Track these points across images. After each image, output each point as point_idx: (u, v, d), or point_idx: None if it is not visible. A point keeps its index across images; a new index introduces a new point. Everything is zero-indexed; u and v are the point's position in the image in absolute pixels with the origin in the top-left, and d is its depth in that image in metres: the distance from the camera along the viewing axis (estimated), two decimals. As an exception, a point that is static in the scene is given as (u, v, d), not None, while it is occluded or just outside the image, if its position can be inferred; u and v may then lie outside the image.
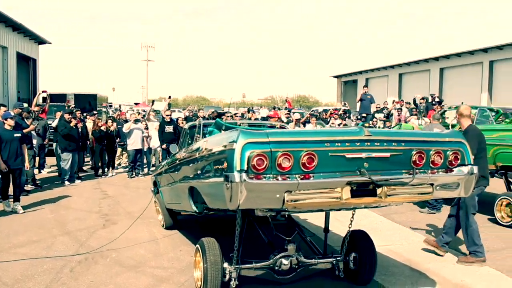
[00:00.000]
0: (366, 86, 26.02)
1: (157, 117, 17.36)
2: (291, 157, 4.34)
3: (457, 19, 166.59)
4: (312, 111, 32.24)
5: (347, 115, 23.57)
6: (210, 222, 8.94)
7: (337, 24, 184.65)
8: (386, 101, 24.47)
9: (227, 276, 5.38)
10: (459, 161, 5.01)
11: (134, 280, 6.18)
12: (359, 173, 4.54)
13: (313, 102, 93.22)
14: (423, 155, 4.82)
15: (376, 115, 20.19)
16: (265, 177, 4.31)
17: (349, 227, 6.02)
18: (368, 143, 4.62)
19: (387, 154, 4.69)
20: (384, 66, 39.76)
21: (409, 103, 21.44)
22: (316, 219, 8.59)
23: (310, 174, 4.41)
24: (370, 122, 18.66)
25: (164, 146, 15.06)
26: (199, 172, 5.65)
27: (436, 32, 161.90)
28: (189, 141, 7.63)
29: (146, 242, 7.88)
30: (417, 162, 4.81)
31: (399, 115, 20.46)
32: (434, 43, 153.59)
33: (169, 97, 18.00)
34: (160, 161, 16.13)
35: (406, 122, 18.25)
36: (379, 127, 18.55)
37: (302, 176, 4.38)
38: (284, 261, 5.55)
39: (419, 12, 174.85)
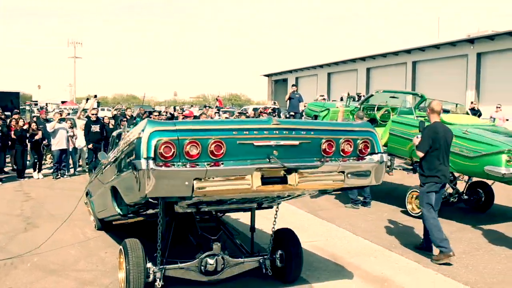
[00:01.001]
0: (295, 85, 26.35)
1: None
2: (199, 145, 4.38)
3: (381, 20, 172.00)
4: (243, 109, 32.40)
5: (276, 113, 23.83)
6: (139, 225, 8.81)
7: (267, 24, 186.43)
8: (323, 96, 24.80)
9: (151, 277, 5.33)
10: (369, 150, 5.18)
11: (56, 284, 6.02)
12: (268, 160, 4.59)
13: (244, 101, 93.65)
14: (332, 144, 4.95)
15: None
16: (173, 165, 4.33)
17: (273, 225, 6.12)
18: (277, 131, 4.69)
19: (296, 142, 4.78)
20: (313, 65, 40.48)
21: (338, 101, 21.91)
22: (247, 220, 8.66)
23: (219, 162, 4.45)
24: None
25: (90, 146, 14.72)
26: (118, 169, 5.60)
27: (363, 33, 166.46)
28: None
29: (70, 245, 7.67)
30: (327, 150, 4.93)
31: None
32: (361, 44, 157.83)
33: (95, 96, 17.66)
34: (87, 161, 15.78)
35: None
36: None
37: (211, 164, 4.41)
38: (210, 261, 5.54)
39: (346, 13, 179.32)
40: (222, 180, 4.51)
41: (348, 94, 16.84)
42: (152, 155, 4.26)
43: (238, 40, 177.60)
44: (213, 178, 4.45)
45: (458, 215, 9.77)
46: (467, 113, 12.64)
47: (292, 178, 4.74)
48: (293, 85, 25.41)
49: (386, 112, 11.93)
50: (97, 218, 8.29)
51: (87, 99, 19.92)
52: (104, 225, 8.38)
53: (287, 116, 20.51)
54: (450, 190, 10.10)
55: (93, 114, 15.29)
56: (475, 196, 10.20)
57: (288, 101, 22.21)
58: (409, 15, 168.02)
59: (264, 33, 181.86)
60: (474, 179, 10.18)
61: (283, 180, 4.71)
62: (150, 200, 4.85)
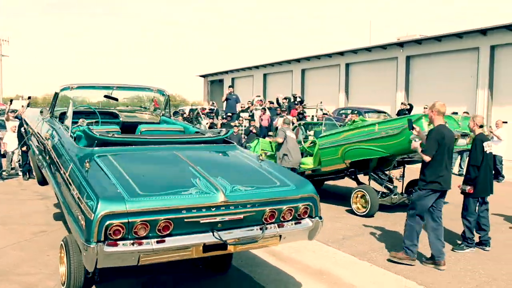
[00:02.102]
0: (231, 86, 26.61)
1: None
2: (148, 226, 4.44)
3: (316, 23, 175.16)
4: (180, 110, 32.32)
5: (214, 114, 23.99)
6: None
7: (203, 24, 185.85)
8: (260, 97, 25.08)
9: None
10: (307, 214, 5.33)
11: (-1, 289, 5.96)
12: (212, 233, 4.69)
13: (180, 101, 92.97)
14: (275, 214, 5.08)
15: (242, 114, 20.79)
16: (122, 243, 4.36)
17: None
18: (223, 208, 4.76)
19: (241, 216, 4.88)
20: (249, 66, 40.83)
21: (273, 103, 22.31)
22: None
23: (165, 238, 4.54)
24: (237, 121, 19.19)
25: (24, 148, 14.36)
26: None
27: (298, 36, 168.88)
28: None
29: (11, 249, 7.54)
30: (268, 219, 5.07)
31: (263, 114, 21.08)
32: (295, 46, 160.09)
33: (29, 98, 17.24)
34: (19, 163, 15.35)
35: (271, 121, 19.03)
36: (245, 125, 19.19)
37: (157, 240, 4.50)
38: None
39: (281, 14, 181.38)
40: (166, 253, 4.62)
41: (281, 97, 17.23)
42: (102, 238, 4.29)
43: (172, 40, 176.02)
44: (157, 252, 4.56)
45: (390, 210, 10.31)
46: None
47: (232, 246, 4.86)
48: (229, 86, 25.66)
49: (312, 144, 12.38)
50: (36, 165, 8.26)
51: (11, 100, 19.29)
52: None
53: (224, 116, 20.69)
54: (386, 191, 10.69)
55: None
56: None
57: (225, 102, 22.45)
58: (342, 18, 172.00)
59: (199, 33, 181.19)
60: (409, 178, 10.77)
61: (223, 247, 4.82)
62: None
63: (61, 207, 5.64)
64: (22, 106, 18.37)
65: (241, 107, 22.22)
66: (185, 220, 4.59)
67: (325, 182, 13.68)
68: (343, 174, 11.53)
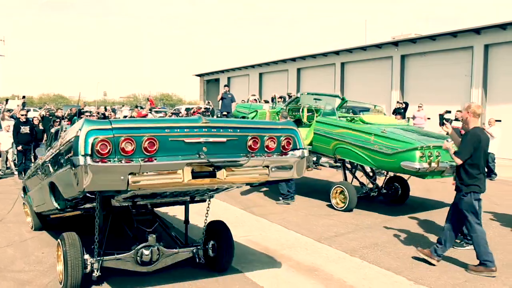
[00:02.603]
0: (227, 85, 26.68)
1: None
2: (133, 142, 4.66)
3: (310, 21, 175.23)
4: (175, 109, 32.38)
5: (209, 113, 24.04)
6: (76, 221, 8.79)
7: (199, 24, 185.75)
8: (255, 96, 25.10)
9: (89, 268, 5.59)
10: (291, 146, 5.62)
11: (-7, 286, 6.02)
12: (198, 156, 4.91)
13: (176, 100, 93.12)
14: (257, 140, 5.36)
15: (237, 113, 20.83)
16: (109, 161, 4.59)
17: (206, 217, 6.47)
18: (206, 129, 5.04)
19: (224, 139, 5.15)
20: (245, 65, 40.88)
21: (268, 102, 22.34)
22: (182, 215, 8.86)
23: (153, 158, 4.76)
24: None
25: (20, 147, 14.43)
26: (56, 166, 5.77)
27: (294, 35, 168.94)
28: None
29: (5, 246, 7.61)
30: (253, 146, 5.33)
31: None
32: (291, 45, 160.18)
33: (23, 97, 17.27)
34: (15, 163, 15.40)
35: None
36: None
37: (145, 159, 4.71)
38: (145, 251, 5.83)
39: (276, 15, 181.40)
40: (155, 174, 4.81)
41: (275, 96, 17.33)
42: (89, 152, 4.51)
43: (169, 40, 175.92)
44: (146, 172, 4.74)
45: (380, 208, 10.41)
46: (384, 114, 13.43)
47: (221, 173, 5.10)
48: (225, 86, 25.71)
49: (311, 113, 12.48)
50: (34, 213, 8.26)
51: (7, 100, 19.29)
52: (42, 221, 8.34)
53: (219, 116, 20.74)
54: (370, 185, 10.89)
55: (22, 115, 14.97)
56: (393, 190, 11.03)
57: (221, 101, 22.51)
58: (338, 17, 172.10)
59: (196, 33, 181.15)
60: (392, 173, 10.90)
61: (212, 174, 5.04)
62: (88, 194, 5.06)
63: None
64: (18, 105, 18.40)
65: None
66: (170, 139, 4.83)
67: (312, 178, 13.88)
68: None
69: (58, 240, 5.78)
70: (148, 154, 4.73)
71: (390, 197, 11.09)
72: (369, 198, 10.87)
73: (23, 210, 9.17)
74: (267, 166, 5.41)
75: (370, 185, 10.96)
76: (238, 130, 5.30)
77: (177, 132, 4.90)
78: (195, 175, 4.95)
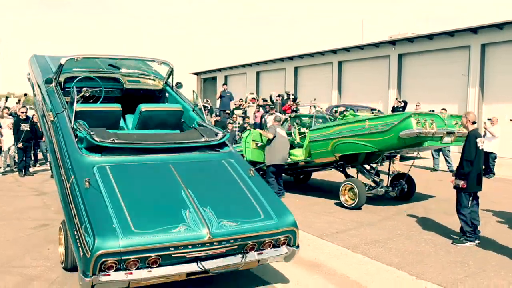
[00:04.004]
0: (225, 84, 26.73)
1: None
2: (139, 261, 4.84)
3: (308, 20, 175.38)
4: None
5: (207, 111, 24.07)
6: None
7: (196, 22, 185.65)
8: (253, 94, 25.14)
9: None
10: (286, 243, 5.67)
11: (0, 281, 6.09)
12: (197, 265, 5.06)
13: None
14: (256, 246, 5.43)
15: (236, 111, 20.93)
16: (114, 274, 4.77)
17: None
18: (209, 244, 5.09)
19: (223, 250, 5.22)
20: (242, 64, 40.87)
21: (266, 100, 22.44)
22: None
23: (152, 269, 4.93)
24: (230, 119, 19.33)
25: (20, 145, 14.45)
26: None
27: (294, 35, 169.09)
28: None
29: (10, 244, 7.67)
30: (249, 249, 5.39)
31: (257, 111, 21.25)
32: (289, 44, 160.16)
33: (25, 95, 17.31)
34: (15, 161, 15.42)
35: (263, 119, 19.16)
36: (238, 123, 19.34)
37: (146, 271, 4.89)
38: None
39: (274, 14, 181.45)
40: (153, 279, 4.98)
41: (272, 94, 17.37)
42: (97, 272, 4.68)
43: (169, 40, 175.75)
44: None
45: (381, 205, 10.52)
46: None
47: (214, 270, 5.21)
48: (223, 84, 25.79)
49: (303, 136, 12.68)
50: None
51: (7, 98, 19.25)
52: None
53: (217, 114, 20.80)
54: (384, 183, 10.96)
55: (22, 113, 14.99)
56: (399, 187, 11.09)
57: (219, 99, 22.58)
58: (335, 16, 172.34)
59: (196, 33, 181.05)
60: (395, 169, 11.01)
61: (205, 272, 5.16)
62: None
63: (62, 210, 5.95)
64: (16, 103, 18.44)
65: (235, 104, 22.36)
66: (173, 255, 4.98)
67: (312, 177, 13.98)
68: (331, 166, 11.79)
69: (60, 225, 6.17)
70: (150, 267, 4.91)
71: (396, 195, 11.18)
72: (378, 197, 10.95)
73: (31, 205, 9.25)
74: (258, 260, 5.50)
75: (385, 182, 11.10)
76: (239, 240, 5.29)
77: (180, 250, 5.00)
78: (189, 274, 5.14)
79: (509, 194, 12.16)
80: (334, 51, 30.12)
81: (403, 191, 11.15)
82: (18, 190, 12.33)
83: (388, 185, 11.12)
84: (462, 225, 7.79)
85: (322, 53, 31.01)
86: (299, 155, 11.86)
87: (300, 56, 33.24)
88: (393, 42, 25.91)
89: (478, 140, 7.66)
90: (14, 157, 15.58)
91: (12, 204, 10.46)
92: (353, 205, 10.21)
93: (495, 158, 14.75)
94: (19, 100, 17.74)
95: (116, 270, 4.75)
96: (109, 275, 4.72)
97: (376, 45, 27.12)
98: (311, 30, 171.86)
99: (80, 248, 4.88)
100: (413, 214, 9.75)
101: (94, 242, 4.66)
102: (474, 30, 21.43)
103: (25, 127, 14.60)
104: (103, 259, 4.66)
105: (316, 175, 14.63)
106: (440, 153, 15.71)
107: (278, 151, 11.24)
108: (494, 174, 14.70)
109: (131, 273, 4.81)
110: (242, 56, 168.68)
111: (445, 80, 23.01)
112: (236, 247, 5.29)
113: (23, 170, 14.54)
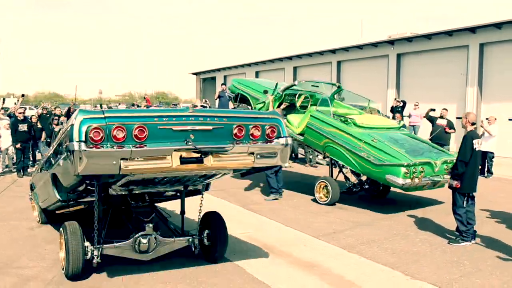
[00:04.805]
0: (224, 84, 26.73)
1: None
2: (124, 129, 4.99)
3: (307, 20, 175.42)
4: (173, 105, 32.39)
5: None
6: (79, 216, 8.89)
7: (195, 22, 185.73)
8: None
9: (89, 254, 5.90)
10: (275, 134, 5.89)
11: (-3, 282, 6.11)
12: (186, 142, 5.22)
13: (172, 99, 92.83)
14: (242, 129, 5.64)
15: (235, 111, 20.93)
16: (102, 147, 4.92)
17: (200, 207, 6.76)
18: (193, 118, 5.36)
19: (210, 127, 5.46)
20: (241, 64, 40.92)
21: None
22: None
23: (143, 144, 5.07)
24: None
25: (18, 145, 14.47)
26: (56, 157, 6.14)
27: (294, 35, 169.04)
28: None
29: (8, 243, 7.69)
30: (238, 134, 5.63)
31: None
32: (288, 44, 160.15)
33: (22, 96, 17.34)
34: (13, 161, 15.45)
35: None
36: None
37: (136, 146, 5.02)
38: (143, 240, 6.11)
39: (272, 14, 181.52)
40: (146, 159, 5.12)
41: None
42: (83, 138, 4.86)
43: (169, 40, 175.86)
44: (137, 158, 5.05)
45: (377, 206, 10.54)
46: (379, 111, 13.47)
47: (208, 159, 5.41)
48: (222, 84, 25.80)
49: (306, 99, 12.67)
50: (41, 209, 8.47)
51: (4, 99, 19.28)
52: (47, 215, 8.53)
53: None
54: (354, 180, 11.06)
55: (20, 113, 15.01)
56: (374, 186, 11.26)
57: (218, 99, 22.60)
58: (334, 16, 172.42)
59: (196, 33, 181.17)
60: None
61: (199, 160, 5.35)
62: (88, 186, 5.62)
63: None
64: (15, 103, 18.47)
65: (233, 105, 22.34)
66: (159, 127, 5.16)
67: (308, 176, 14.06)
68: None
69: (60, 228, 6.12)
70: (138, 141, 5.05)
71: (371, 192, 11.38)
72: (352, 193, 11.18)
73: (30, 205, 9.37)
74: (252, 153, 5.71)
75: (355, 180, 11.24)
76: (224, 119, 5.59)
77: (165, 120, 5.22)
78: (183, 160, 5.26)
79: (506, 194, 12.18)
80: (333, 51, 30.15)
81: (378, 189, 11.31)
82: (16, 190, 12.34)
83: (365, 182, 11.21)
84: (458, 225, 7.81)
85: (321, 53, 31.03)
86: (294, 125, 11.80)
87: (299, 56, 33.26)
88: (391, 42, 25.93)
89: (474, 141, 7.67)
90: (13, 158, 15.60)
91: (10, 204, 10.49)
92: (327, 202, 10.50)
93: (493, 157, 14.77)
94: (17, 100, 17.77)
95: (104, 142, 4.93)
96: (98, 147, 4.90)
97: (375, 45, 27.15)
98: (310, 30, 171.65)
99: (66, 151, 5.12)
100: (410, 214, 9.77)
101: (77, 114, 4.99)
102: (473, 30, 21.46)
103: (23, 127, 14.62)
104: (88, 124, 4.87)
105: (316, 173, 14.64)
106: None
107: None
108: (492, 173, 14.71)
109: (120, 147, 4.97)
110: (242, 56, 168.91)
111: (443, 80, 23.03)
112: (222, 126, 5.55)
113: (21, 171, 14.56)
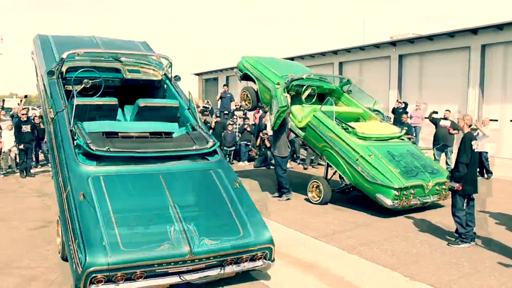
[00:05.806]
0: (226, 85, 26.77)
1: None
2: (125, 276, 5.21)
3: (309, 21, 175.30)
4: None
5: (208, 112, 24.13)
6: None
7: (198, 24, 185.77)
8: None
9: None
10: (263, 258, 6.04)
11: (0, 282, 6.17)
12: (179, 278, 5.46)
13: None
14: (234, 260, 5.81)
15: (236, 112, 20.97)
16: (103, 286, 5.15)
17: None
18: (190, 261, 5.49)
19: (203, 265, 5.60)
20: (243, 64, 40.93)
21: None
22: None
23: (137, 281, 5.31)
24: (230, 120, 19.40)
25: (21, 146, 14.52)
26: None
27: (294, 35, 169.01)
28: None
29: (10, 245, 7.76)
30: (228, 264, 5.77)
31: (257, 112, 21.22)
32: (291, 45, 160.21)
33: (25, 96, 17.43)
34: (17, 162, 15.49)
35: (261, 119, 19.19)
36: (239, 124, 19.41)
37: (132, 283, 5.27)
38: None
39: (273, 14, 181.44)
40: None
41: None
42: (87, 285, 5.06)
43: (169, 40, 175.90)
44: None
45: (376, 207, 10.55)
46: (382, 114, 13.32)
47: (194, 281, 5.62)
48: (224, 85, 25.82)
49: (312, 90, 12.53)
50: None
51: (3, 100, 19.36)
52: None
53: (217, 115, 20.85)
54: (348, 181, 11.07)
55: (23, 114, 15.07)
56: None
57: (220, 100, 22.64)
58: (336, 17, 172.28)
59: (196, 33, 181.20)
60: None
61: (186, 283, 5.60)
62: None
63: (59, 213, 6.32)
64: (18, 104, 18.56)
65: (235, 105, 22.38)
66: (157, 271, 5.35)
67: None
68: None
69: (57, 218, 6.49)
70: (135, 280, 5.28)
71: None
72: (345, 192, 11.22)
73: (31, 206, 9.41)
74: (236, 271, 5.91)
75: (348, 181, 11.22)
76: (219, 257, 5.66)
77: (164, 266, 5.37)
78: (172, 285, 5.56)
79: (506, 195, 12.20)
80: (335, 52, 30.16)
81: None
82: (19, 191, 12.43)
83: None
84: (457, 227, 7.85)
85: (323, 54, 31.06)
86: (298, 118, 11.71)
87: (301, 57, 33.26)
88: (393, 43, 25.95)
89: (473, 142, 7.71)
90: (16, 159, 15.65)
91: (13, 205, 10.56)
92: (319, 201, 10.69)
93: (487, 157, 14.75)
94: (20, 101, 17.86)
95: (105, 283, 5.12)
96: (97, 285, 5.11)
97: (377, 45, 27.16)
98: (311, 30, 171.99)
99: (73, 262, 5.23)
100: (410, 216, 9.79)
101: (85, 260, 5.03)
102: (474, 31, 21.46)
103: (26, 128, 14.68)
104: (93, 275, 5.04)
105: (316, 175, 14.68)
106: (442, 154, 15.73)
107: (284, 146, 11.30)
108: (491, 173, 14.69)
109: (117, 284, 5.18)
110: (241, 56, 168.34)
111: (445, 81, 23.04)
112: (215, 262, 5.66)
113: (24, 171, 14.62)
